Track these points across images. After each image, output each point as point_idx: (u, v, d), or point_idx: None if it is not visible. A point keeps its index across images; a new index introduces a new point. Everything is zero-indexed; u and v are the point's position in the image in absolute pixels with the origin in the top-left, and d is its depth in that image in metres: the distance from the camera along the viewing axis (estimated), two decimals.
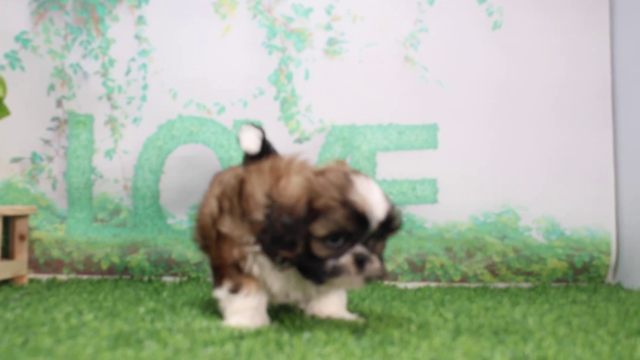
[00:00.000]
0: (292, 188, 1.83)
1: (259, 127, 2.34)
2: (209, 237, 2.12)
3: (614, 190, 3.30)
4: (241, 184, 2.01)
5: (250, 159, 2.33)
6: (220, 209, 2.06)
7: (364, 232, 1.79)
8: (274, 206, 1.84)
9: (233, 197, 2.03)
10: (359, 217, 1.78)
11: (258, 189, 1.93)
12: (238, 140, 2.38)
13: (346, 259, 1.80)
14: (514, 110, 3.32)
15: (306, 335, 1.75)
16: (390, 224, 1.84)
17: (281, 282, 1.96)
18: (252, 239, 1.92)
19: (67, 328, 1.81)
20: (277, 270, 1.91)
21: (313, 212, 1.79)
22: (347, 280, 1.82)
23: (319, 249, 1.81)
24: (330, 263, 1.81)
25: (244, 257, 1.96)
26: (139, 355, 1.48)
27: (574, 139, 3.32)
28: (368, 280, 1.83)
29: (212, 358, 1.49)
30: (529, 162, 3.30)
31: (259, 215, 1.89)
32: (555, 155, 3.31)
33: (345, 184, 1.80)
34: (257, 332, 1.78)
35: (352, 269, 1.80)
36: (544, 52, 3.34)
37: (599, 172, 3.32)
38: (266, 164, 2.03)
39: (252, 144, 2.33)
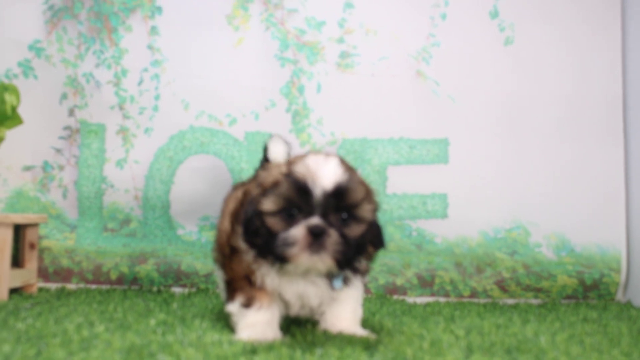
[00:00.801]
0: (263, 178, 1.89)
1: (288, 143, 2.36)
2: (224, 255, 2.13)
3: (624, 207, 3.30)
4: (244, 196, 2.04)
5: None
6: (232, 226, 2.07)
7: (310, 202, 1.77)
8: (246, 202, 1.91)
9: (239, 209, 2.04)
10: (302, 187, 1.77)
11: None
12: (266, 150, 2.39)
13: (297, 230, 1.77)
14: (526, 125, 3.32)
15: (319, 351, 1.75)
16: (343, 198, 1.79)
17: (294, 290, 1.96)
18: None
19: (79, 340, 1.81)
20: (282, 275, 1.91)
21: (264, 191, 1.83)
22: (302, 258, 1.79)
23: (273, 224, 1.81)
24: (282, 235, 1.79)
25: (253, 271, 1.96)
26: None
27: (585, 154, 3.32)
28: (327, 257, 1.79)
29: None
30: (539, 178, 3.30)
31: None
32: (566, 170, 3.31)
33: (295, 160, 1.84)
34: (270, 347, 1.77)
35: (304, 240, 1.77)
36: (555, 66, 3.34)
37: (610, 188, 3.31)
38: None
39: (280, 157, 2.34)
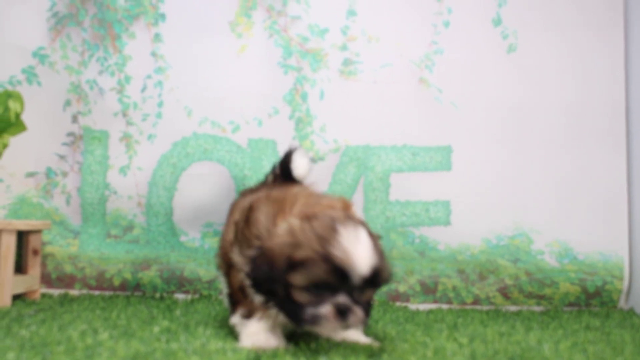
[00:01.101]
0: (277, 237, 1.81)
1: (310, 157, 2.34)
2: (226, 266, 2.15)
3: (627, 214, 3.29)
4: (250, 210, 2.01)
5: (286, 177, 2.34)
6: (235, 237, 2.07)
7: (344, 285, 1.75)
8: (260, 251, 1.84)
9: (241, 222, 2.04)
10: (340, 272, 1.73)
11: (263, 219, 1.93)
12: (288, 160, 2.39)
13: (326, 309, 1.77)
14: (528, 132, 3.32)
15: (322, 359, 1.75)
16: (375, 279, 1.79)
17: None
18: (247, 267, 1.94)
19: (83, 347, 1.81)
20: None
21: (293, 263, 1.76)
22: (327, 328, 1.80)
23: (299, 296, 1.79)
24: (310, 311, 1.78)
25: (245, 284, 1.96)
26: None
27: (588, 161, 3.32)
28: (348, 327, 1.81)
29: None
30: (542, 185, 3.30)
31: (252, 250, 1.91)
32: (569, 178, 3.31)
33: (329, 235, 1.75)
34: (274, 355, 1.78)
35: (332, 318, 1.77)
36: (558, 74, 3.35)
37: (613, 196, 3.31)
38: (275, 192, 2.05)
39: (304, 172, 2.36)
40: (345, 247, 1.73)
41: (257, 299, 1.92)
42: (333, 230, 1.75)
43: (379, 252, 1.81)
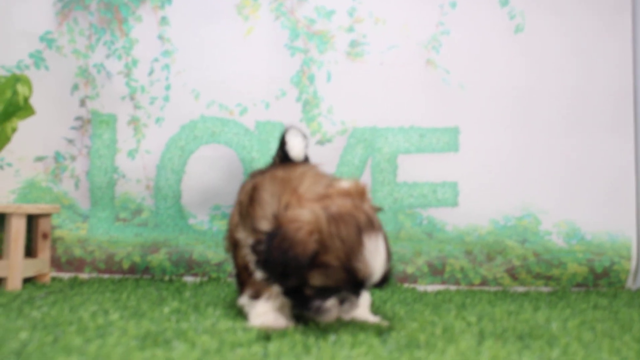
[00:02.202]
0: (302, 227, 1.79)
1: (304, 135, 2.35)
2: (232, 248, 2.17)
3: (635, 195, 3.30)
4: (253, 190, 2.03)
5: (282, 162, 2.34)
6: (239, 216, 2.10)
7: (356, 289, 1.83)
8: (278, 233, 1.81)
9: (244, 202, 2.06)
10: (357, 282, 1.79)
11: (268, 198, 1.94)
12: (283, 142, 2.36)
13: (331, 302, 1.83)
14: (535, 114, 3.32)
15: (332, 337, 1.76)
16: (381, 282, 1.85)
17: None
18: (250, 241, 1.95)
19: (94, 327, 1.83)
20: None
21: (315, 262, 1.77)
22: (328, 316, 1.85)
23: (308, 290, 1.82)
24: (317, 303, 1.83)
25: (248, 260, 1.99)
26: (169, 355, 1.49)
27: (595, 143, 3.32)
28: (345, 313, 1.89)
29: (242, 359, 1.50)
30: (549, 166, 3.30)
31: (263, 225, 1.90)
32: (576, 159, 3.31)
33: (355, 246, 1.77)
34: (283, 334, 1.79)
35: (335, 309, 1.84)
36: (565, 56, 3.34)
37: (620, 177, 3.31)
38: (280, 172, 2.05)
39: (300, 152, 2.33)
40: (367, 260, 1.77)
41: (259, 274, 1.92)
42: (359, 241, 1.77)
43: (390, 257, 1.86)
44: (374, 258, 1.78)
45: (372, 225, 1.82)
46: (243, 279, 2.06)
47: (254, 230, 1.93)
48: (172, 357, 1.48)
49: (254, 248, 1.89)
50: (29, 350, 1.51)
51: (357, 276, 1.77)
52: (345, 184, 1.92)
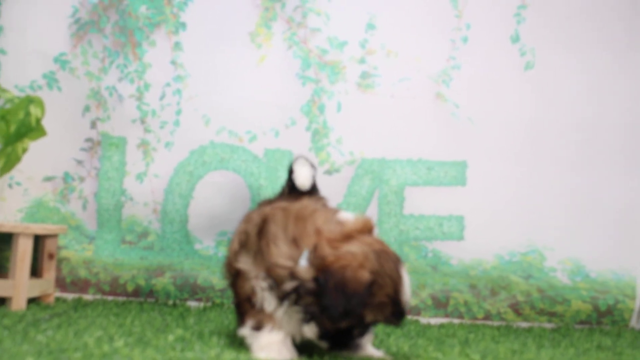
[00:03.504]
0: (356, 262, 1.85)
1: (312, 164, 2.39)
2: (231, 277, 2.17)
3: None
4: (264, 222, 2.04)
5: (293, 190, 2.36)
6: (241, 246, 2.10)
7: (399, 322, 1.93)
8: (331, 272, 1.83)
9: (252, 233, 2.06)
10: (400, 315, 1.91)
11: (281, 234, 1.96)
12: (291, 172, 2.38)
13: (367, 339, 2.00)
14: (543, 150, 3.33)
15: None
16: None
17: (290, 322, 1.97)
18: (262, 274, 1.96)
19: (100, 354, 1.83)
20: (288, 311, 1.94)
21: (371, 299, 1.84)
22: (356, 355, 1.99)
23: (357, 330, 1.93)
24: (357, 340, 1.97)
25: (254, 293, 1.99)
26: None
27: (602, 180, 3.33)
28: None
29: None
30: (556, 203, 3.31)
31: (283, 261, 1.93)
32: (583, 195, 3.32)
33: (397, 280, 1.88)
34: None
35: (366, 345, 2.02)
36: (575, 93, 3.36)
37: (627, 215, 3.32)
38: (293, 208, 2.05)
39: (306, 181, 2.36)
40: (406, 292, 1.90)
41: (270, 307, 1.95)
42: (399, 275, 1.89)
43: None
44: (409, 289, 1.91)
45: (400, 258, 1.94)
46: (244, 309, 2.05)
47: (273, 266, 1.94)
48: None
49: (299, 293, 1.88)
50: None
51: (401, 308, 1.88)
52: (355, 221, 1.96)
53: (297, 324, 1.95)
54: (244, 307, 2.05)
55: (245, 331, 2.03)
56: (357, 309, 1.83)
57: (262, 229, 2.03)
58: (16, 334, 2.10)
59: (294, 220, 1.98)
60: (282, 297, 1.92)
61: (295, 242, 1.93)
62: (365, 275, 1.83)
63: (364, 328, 1.93)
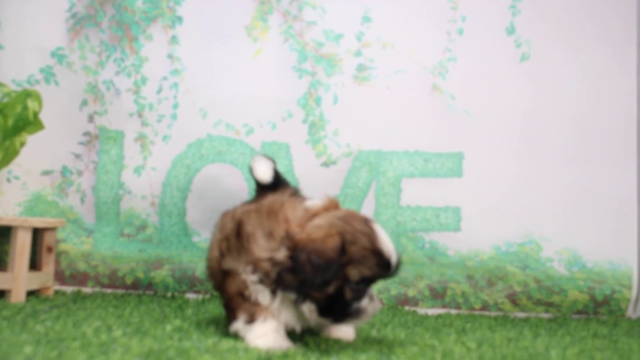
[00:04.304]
0: (321, 231, 1.92)
1: (271, 159, 2.47)
2: (217, 279, 2.22)
3: (637, 224, 3.31)
4: (239, 225, 2.10)
5: (262, 189, 2.47)
6: (221, 253, 2.16)
7: (385, 275, 1.97)
8: (300, 248, 1.91)
9: (231, 237, 2.12)
10: (386, 265, 1.94)
11: (258, 230, 2.03)
12: (251, 170, 2.47)
13: (365, 302, 1.97)
14: (539, 141, 3.34)
15: (332, 359, 1.78)
16: (398, 267, 2.00)
17: (287, 313, 2.02)
18: (249, 268, 2.01)
19: (98, 344, 1.85)
20: (284, 301, 2.00)
21: (347, 257, 1.90)
22: (363, 320, 1.99)
23: (348, 292, 1.93)
24: (355, 305, 1.95)
25: (246, 286, 2.02)
26: None
27: (598, 172, 3.34)
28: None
29: None
30: (552, 194, 3.32)
31: (264, 253, 1.99)
32: (579, 187, 3.33)
33: (370, 232, 1.94)
34: (284, 355, 1.81)
35: (370, 310, 1.98)
36: (570, 85, 3.37)
37: (623, 206, 3.33)
38: (264, 205, 2.13)
39: (265, 174, 2.45)
40: (385, 243, 1.95)
41: (265, 300, 1.99)
42: (372, 229, 1.96)
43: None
44: (387, 240, 1.96)
45: (371, 218, 2.02)
46: (236, 304, 2.07)
47: (257, 261, 1.99)
48: None
49: (281, 276, 1.94)
50: None
51: (384, 257, 1.93)
52: (320, 203, 2.06)
53: (295, 312, 2.00)
54: (236, 302, 2.07)
55: (238, 325, 2.05)
56: (334, 272, 1.88)
57: (239, 231, 2.09)
58: (15, 325, 2.12)
59: (267, 216, 2.05)
60: (273, 289, 1.98)
61: (271, 235, 2.00)
62: (332, 240, 1.90)
63: (356, 289, 1.94)
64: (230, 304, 2.11)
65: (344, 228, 1.93)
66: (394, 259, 1.96)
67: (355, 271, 1.91)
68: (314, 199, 2.11)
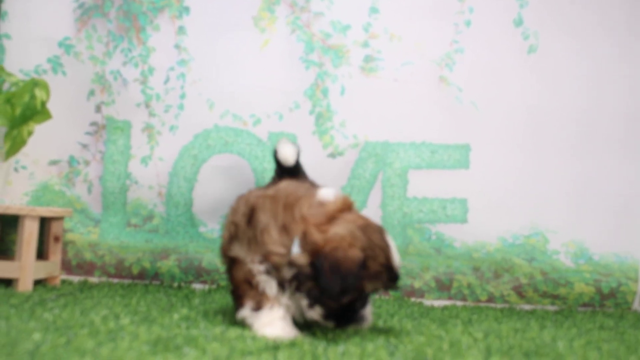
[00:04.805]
0: (344, 242, 1.94)
1: (296, 144, 2.54)
2: (226, 263, 2.25)
3: None
4: (252, 210, 2.11)
5: (282, 173, 2.51)
6: (230, 237, 2.18)
7: (391, 290, 2.14)
8: (323, 256, 1.91)
9: (241, 223, 2.13)
10: (396, 279, 2.03)
11: (272, 223, 2.04)
12: (275, 152, 2.51)
13: (369, 309, 2.13)
14: (546, 133, 3.34)
15: (340, 348, 1.78)
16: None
17: (295, 306, 2.04)
18: (258, 258, 2.03)
19: (106, 331, 1.86)
20: (287, 294, 2.02)
21: (367, 272, 1.95)
22: (363, 326, 2.12)
23: (358, 302, 2.01)
24: (361, 313, 2.06)
25: (253, 275, 2.04)
26: None
27: (604, 165, 3.34)
28: None
29: None
30: (559, 186, 3.32)
31: (277, 248, 2.00)
32: (586, 179, 3.33)
33: (386, 248, 2.00)
34: (292, 344, 1.81)
35: (370, 316, 2.14)
36: (577, 77, 3.36)
37: (629, 199, 3.33)
38: (280, 195, 2.12)
39: (290, 156, 2.51)
40: (395, 257, 2.02)
41: (271, 291, 2.01)
42: (387, 243, 2.01)
43: None
44: (397, 253, 2.03)
45: (383, 228, 2.07)
46: (242, 291, 2.08)
47: (269, 253, 2.01)
48: None
49: (299, 280, 1.95)
50: (43, 351, 1.54)
51: (394, 273, 2.01)
52: (335, 201, 2.07)
53: (300, 307, 2.01)
54: (242, 289, 2.08)
55: (245, 312, 2.06)
56: (354, 285, 1.92)
57: (251, 217, 2.10)
58: (23, 312, 2.13)
59: (283, 209, 2.05)
60: (282, 284, 2.00)
61: (285, 229, 2.01)
62: (356, 254, 1.93)
63: (364, 299, 2.03)
64: (237, 291, 2.11)
65: (366, 243, 1.97)
66: (400, 272, 2.04)
67: (371, 285, 1.98)
68: (326, 189, 2.12)
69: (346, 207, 2.06)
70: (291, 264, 1.96)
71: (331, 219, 2.00)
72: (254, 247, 2.05)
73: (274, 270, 1.99)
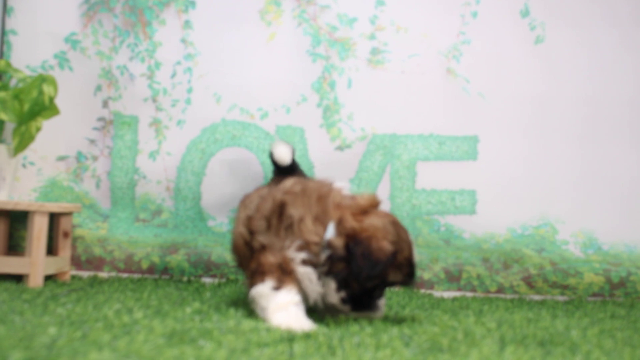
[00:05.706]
0: (380, 233, 2.11)
1: (289, 144, 2.80)
2: (243, 256, 2.37)
3: None
4: (282, 207, 2.21)
5: (279, 172, 2.73)
6: (251, 231, 2.29)
7: (407, 285, 2.22)
8: (358, 241, 2.07)
9: (272, 218, 2.23)
10: (413, 275, 2.18)
11: (308, 214, 2.16)
12: (271, 154, 2.77)
13: (384, 300, 2.27)
14: (554, 124, 3.34)
15: (355, 339, 1.79)
16: None
17: (319, 292, 2.14)
18: (296, 244, 2.12)
19: (120, 325, 1.86)
20: (319, 279, 2.12)
21: (394, 264, 2.11)
22: (377, 315, 2.22)
23: (378, 290, 2.17)
24: (377, 301, 2.20)
25: (289, 261, 2.09)
26: (198, 353, 1.52)
27: (612, 154, 3.34)
28: None
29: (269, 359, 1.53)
30: (567, 176, 3.32)
31: (312, 237, 2.12)
32: (594, 169, 3.33)
33: (410, 244, 2.18)
34: (307, 335, 1.81)
35: (383, 307, 2.27)
36: (583, 67, 3.36)
37: (637, 188, 3.33)
38: (310, 190, 2.24)
39: (285, 156, 2.75)
40: (415, 254, 2.19)
41: (312, 279, 2.11)
42: (411, 240, 2.19)
43: None
44: (415, 251, 2.19)
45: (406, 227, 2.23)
46: (267, 270, 2.10)
47: (308, 243, 2.11)
48: (202, 355, 1.50)
49: (332, 261, 2.09)
50: (60, 345, 1.54)
51: (413, 268, 2.17)
52: (366, 197, 2.23)
53: (326, 292, 2.12)
54: (269, 269, 2.10)
55: (262, 288, 2.09)
56: (381, 273, 2.08)
57: (282, 213, 2.20)
58: (36, 307, 2.13)
59: (316, 201, 2.19)
60: (319, 271, 2.11)
61: (318, 219, 2.14)
62: (388, 246, 2.09)
63: (383, 288, 2.19)
64: (260, 269, 2.13)
65: (396, 237, 2.13)
66: (416, 269, 2.19)
67: (393, 276, 2.13)
68: (340, 183, 2.30)
69: (376, 203, 2.22)
70: (328, 245, 2.09)
71: (364, 211, 2.15)
72: (289, 236, 2.14)
73: (313, 256, 2.09)
